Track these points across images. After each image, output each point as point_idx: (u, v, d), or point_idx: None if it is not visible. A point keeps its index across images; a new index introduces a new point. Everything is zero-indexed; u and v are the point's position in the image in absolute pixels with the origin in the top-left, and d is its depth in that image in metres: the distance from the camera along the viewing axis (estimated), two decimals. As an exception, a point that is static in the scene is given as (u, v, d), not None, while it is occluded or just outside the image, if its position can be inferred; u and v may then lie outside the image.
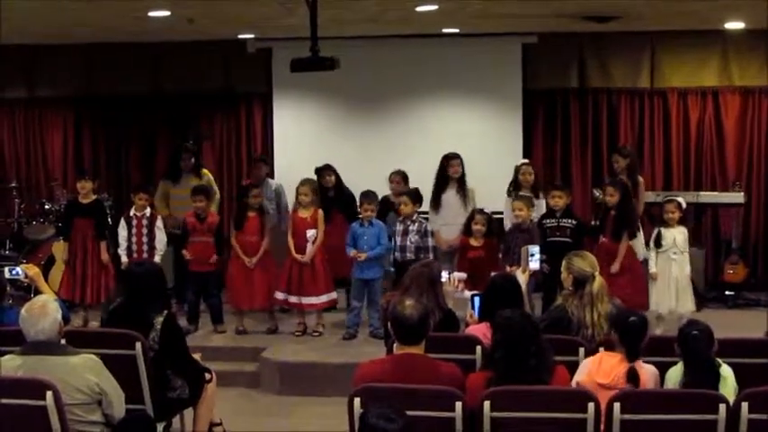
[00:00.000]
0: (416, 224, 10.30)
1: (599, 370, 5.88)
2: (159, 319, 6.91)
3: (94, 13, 9.75)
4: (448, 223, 10.90)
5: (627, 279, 10.06)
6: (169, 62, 13.40)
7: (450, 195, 11.02)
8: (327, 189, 11.25)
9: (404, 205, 10.34)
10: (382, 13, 10.28)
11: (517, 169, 11.11)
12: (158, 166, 13.24)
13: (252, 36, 12.64)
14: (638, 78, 12.82)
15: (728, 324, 8.02)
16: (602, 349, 6.26)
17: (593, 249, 9.36)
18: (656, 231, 10.31)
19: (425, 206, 11.03)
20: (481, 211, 10.40)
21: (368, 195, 10.49)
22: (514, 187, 11.02)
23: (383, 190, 11.27)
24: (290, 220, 10.68)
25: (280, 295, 10.51)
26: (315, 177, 10.97)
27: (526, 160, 11.63)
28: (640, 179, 11.21)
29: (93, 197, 10.89)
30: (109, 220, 11.35)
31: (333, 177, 11.35)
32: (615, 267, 9.99)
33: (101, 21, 10.36)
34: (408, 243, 10.23)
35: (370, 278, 10.30)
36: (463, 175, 11.04)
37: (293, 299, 10.45)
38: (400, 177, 11.23)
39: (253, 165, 12.11)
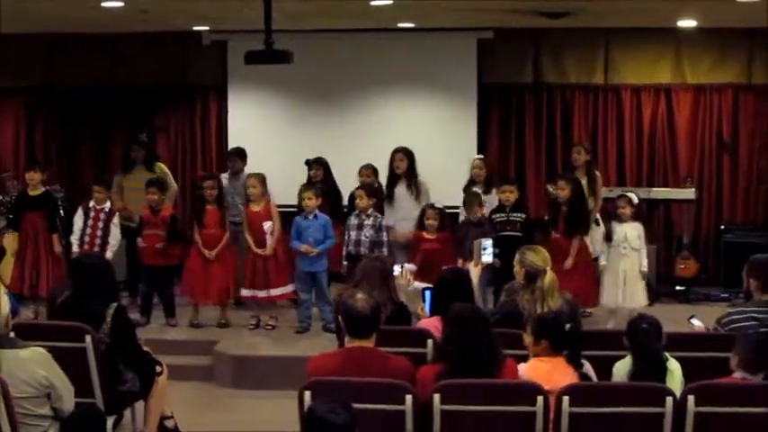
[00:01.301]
0: (371, 218, 10.31)
1: (549, 382, 5.74)
2: (110, 312, 6.88)
3: (49, 4, 9.68)
4: (403, 218, 10.90)
5: (579, 275, 10.13)
6: (124, 53, 13.28)
7: (401, 190, 11.04)
8: (315, 183, 11.19)
9: (359, 199, 10.34)
10: (338, 7, 10.28)
11: (471, 164, 11.15)
12: (113, 158, 13.12)
13: (207, 28, 12.57)
14: (593, 74, 12.90)
15: (679, 318, 8.05)
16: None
17: (544, 244, 9.42)
18: (608, 226, 10.39)
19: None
20: (432, 206, 10.41)
21: (306, 186, 10.49)
22: (469, 182, 11.05)
23: (340, 182, 11.29)
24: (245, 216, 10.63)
25: (246, 292, 10.48)
26: (269, 170, 10.88)
27: (480, 156, 11.66)
28: (598, 174, 11.27)
29: (43, 189, 10.80)
30: (61, 212, 11.26)
31: (321, 171, 11.32)
32: (568, 263, 10.04)
33: (55, 11, 10.28)
34: (363, 237, 10.24)
35: (315, 270, 10.27)
36: (411, 169, 11.04)
37: (261, 293, 10.40)
38: (371, 171, 11.23)
39: (228, 158, 12.01)
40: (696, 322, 7.22)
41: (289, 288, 10.46)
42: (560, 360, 5.90)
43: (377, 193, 10.64)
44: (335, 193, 11.35)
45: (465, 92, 12.84)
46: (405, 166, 11.01)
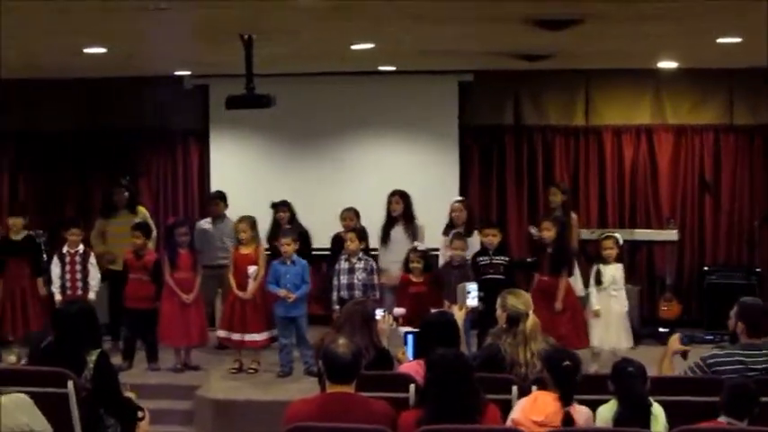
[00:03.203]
0: (363, 262, 10.30)
1: (533, 407, 5.88)
2: (92, 358, 6.84)
3: (30, 49, 9.68)
4: (398, 260, 10.81)
5: (568, 317, 10.13)
6: (105, 98, 13.30)
7: (398, 232, 11.06)
8: (280, 225, 11.21)
9: (350, 242, 10.33)
10: (318, 51, 10.31)
11: (450, 208, 11.15)
12: (94, 202, 13.10)
13: (188, 73, 12.60)
14: (573, 116, 12.98)
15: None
16: (535, 388, 6.30)
17: (527, 287, 9.43)
18: (594, 269, 10.35)
19: (374, 244, 11.07)
20: (414, 249, 10.40)
21: (284, 232, 10.51)
22: (448, 226, 11.05)
23: (323, 225, 11.30)
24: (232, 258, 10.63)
25: (222, 333, 10.50)
26: (251, 214, 10.88)
27: (459, 198, 11.63)
28: (574, 216, 11.33)
29: (25, 233, 10.80)
30: (44, 256, 11.24)
31: (287, 214, 11.33)
32: (558, 306, 10.06)
33: (36, 56, 10.28)
34: (356, 281, 10.22)
35: (294, 315, 10.28)
36: (408, 211, 11.07)
37: (236, 336, 10.40)
38: (353, 214, 11.21)
39: (209, 202, 12.02)
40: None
41: (264, 335, 10.44)
42: (550, 393, 5.93)
43: (367, 237, 10.61)
44: (303, 235, 11.30)
45: (446, 134, 12.90)
46: (401, 208, 11.05)
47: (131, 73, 12.17)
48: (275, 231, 11.16)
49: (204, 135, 13.36)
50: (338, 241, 11.06)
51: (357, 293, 10.06)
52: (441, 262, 10.81)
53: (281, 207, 11.42)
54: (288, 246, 10.24)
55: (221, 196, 11.74)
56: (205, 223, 11.58)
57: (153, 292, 10.58)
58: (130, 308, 10.63)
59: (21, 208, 11.45)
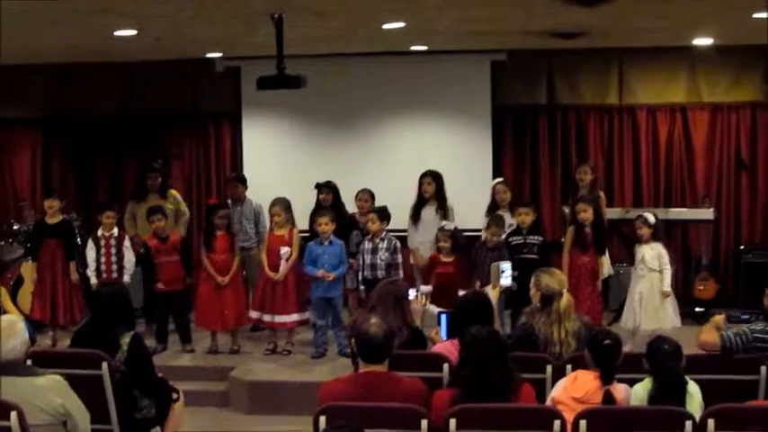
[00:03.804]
0: (386, 241, 10.27)
1: (573, 385, 5.88)
2: (126, 340, 6.88)
3: (61, 34, 9.71)
4: (427, 240, 10.85)
5: (586, 295, 10.06)
6: (137, 82, 13.34)
7: (428, 213, 11.03)
8: (324, 207, 11.15)
9: (371, 223, 10.30)
10: (350, 31, 10.28)
11: (492, 189, 11.11)
12: (127, 186, 13.16)
13: (220, 55, 12.60)
14: (607, 95, 12.87)
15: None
16: (569, 367, 6.27)
17: (561, 266, 9.40)
18: (634, 248, 10.31)
19: (404, 224, 11.06)
20: (442, 229, 10.35)
21: (320, 212, 10.49)
22: (491, 207, 11.02)
23: (355, 207, 11.26)
24: (266, 239, 10.62)
25: (254, 314, 10.49)
26: (284, 196, 10.87)
27: (500, 179, 11.57)
28: (601, 194, 11.29)
29: (61, 217, 10.87)
30: (78, 239, 11.30)
31: (330, 195, 11.27)
32: (598, 284, 10.06)
33: (67, 41, 10.31)
34: (379, 261, 10.21)
35: (331, 296, 10.27)
36: (440, 192, 11.03)
37: (266, 317, 10.40)
38: (368, 195, 11.19)
39: (229, 184, 12.03)
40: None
41: (294, 317, 10.41)
42: (590, 372, 5.91)
43: (389, 217, 10.58)
44: (345, 216, 11.29)
45: (479, 114, 12.83)
46: (433, 189, 11.01)
47: (163, 56, 12.17)
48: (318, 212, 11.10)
49: (236, 117, 13.37)
50: (350, 222, 11.07)
51: (380, 273, 10.06)
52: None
53: (324, 188, 11.35)
54: (326, 226, 10.23)
55: (240, 178, 11.74)
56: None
57: (183, 272, 10.63)
58: (163, 290, 10.66)
59: (58, 192, 11.49)
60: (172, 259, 10.59)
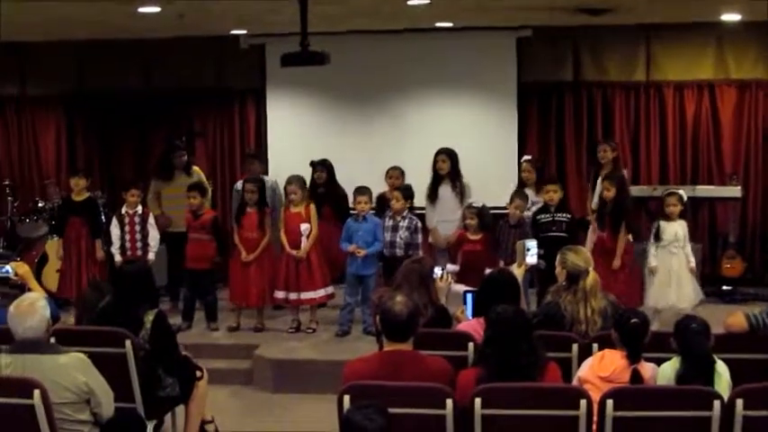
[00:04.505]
0: (407, 220, 10.23)
1: (600, 364, 5.85)
2: (149, 318, 6.88)
3: (84, 10, 9.68)
4: (445, 219, 10.83)
5: (626, 275, 10.04)
6: (161, 59, 13.35)
7: (445, 191, 10.97)
8: (318, 185, 11.21)
9: (395, 200, 10.27)
10: (374, 8, 10.21)
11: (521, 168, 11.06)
12: (151, 163, 13.11)
13: (244, 32, 12.57)
14: (634, 72, 12.76)
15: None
16: (595, 346, 6.23)
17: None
18: (655, 225, 10.23)
19: (421, 203, 10.99)
20: (469, 206, 10.32)
21: (360, 189, 10.42)
22: (519, 185, 10.98)
23: (378, 185, 11.21)
24: (282, 217, 10.61)
25: (280, 294, 10.48)
26: (302, 174, 10.85)
27: (528, 157, 11.51)
28: (624, 172, 11.23)
29: (86, 195, 10.88)
30: (102, 217, 11.31)
31: (324, 174, 11.29)
32: (616, 263, 9.97)
33: (91, 17, 10.29)
34: (398, 239, 10.18)
35: (365, 274, 10.26)
36: (454, 170, 10.97)
37: (293, 296, 10.42)
38: (398, 173, 11.15)
39: (246, 160, 12.01)
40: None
41: (320, 293, 10.44)
42: (617, 351, 5.88)
43: (413, 196, 10.53)
44: (340, 195, 11.32)
45: (504, 91, 12.75)
46: (447, 167, 10.93)
47: (186, 33, 12.14)
48: (313, 191, 11.11)
49: (261, 94, 13.34)
50: (382, 200, 11.03)
51: (398, 252, 10.05)
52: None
53: (318, 166, 11.38)
54: (365, 204, 10.24)
55: (257, 155, 11.73)
56: (241, 184, 11.51)
57: (213, 251, 10.60)
58: (190, 268, 10.65)
59: (83, 170, 11.49)
60: (199, 236, 10.56)
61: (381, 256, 10.23)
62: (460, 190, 10.90)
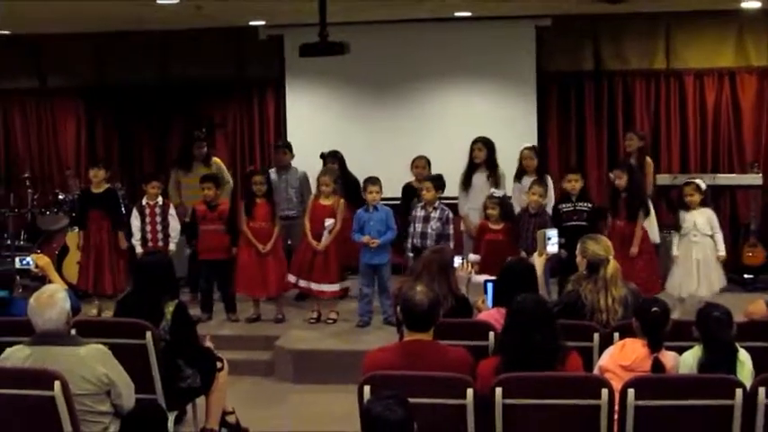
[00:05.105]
0: (438, 211, 10.13)
1: (621, 353, 5.82)
2: (170, 309, 6.89)
3: (103, 3, 9.70)
4: (476, 207, 10.77)
5: (644, 261, 9.99)
6: (180, 50, 13.36)
7: (479, 179, 10.94)
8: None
9: (426, 191, 10.19)
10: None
11: (520, 154, 11.01)
12: (171, 154, 13.17)
13: (263, 23, 12.57)
14: (654, 60, 12.71)
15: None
16: (616, 335, 6.20)
17: (607, 232, 9.30)
18: (679, 215, 10.19)
19: (451, 192, 10.97)
20: (491, 196, 10.28)
21: (372, 179, 10.37)
22: (519, 173, 10.93)
23: (396, 174, 11.19)
24: (310, 206, 10.57)
25: (291, 278, 10.48)
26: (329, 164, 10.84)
27: (529, 145, 11.45)
28: (649, 161, 11.25)
29: (106, 186, 10.87)
30: (122, 209, 11.32)
31: (335, 165, 11.25)
32: (634, 251, 9.92)
33: (110, 9, 10.30)
34: (429, 230, 10.09)
35: (378, 264, 10.23)
36: (490, 159, 10.93)
37: (303, 283, 10.42)
38: (424, 162, 11.14)
39: (275, 151, 11.99)
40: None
41: (333, 287, 10.42)
42: (638, 340, 5.84)
43: (444, 186, 10.49)
44: (351, 181, 11.29)
45: (524, 80, 12.72)
46: (483, 155, 10.91)
47: (206, 24, 12.15)
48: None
49: (280, 85, 13.34)
50: (409, 190, 11.00)
51: (429, 242, 9.93)
52: (515, 209, 10.63)
53: (329, 157, 11.37)
54: (376, 194, 10.19)
55: (287, 145, 11.70)
56: (271, 172, 11.49)
57: (228, 242, 10.58)
58: (206, 259, 10.65)
59: (102, 161, 11.50)
60: (214, 228, 10.54)
61: (413, 247, 10.10)
62: (495, 179, 10.86)
